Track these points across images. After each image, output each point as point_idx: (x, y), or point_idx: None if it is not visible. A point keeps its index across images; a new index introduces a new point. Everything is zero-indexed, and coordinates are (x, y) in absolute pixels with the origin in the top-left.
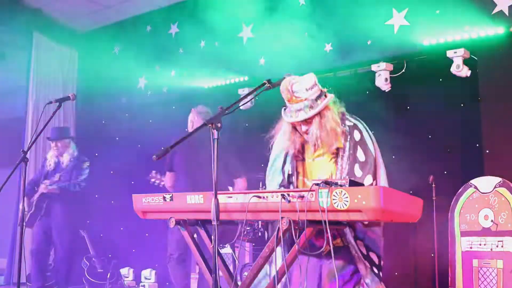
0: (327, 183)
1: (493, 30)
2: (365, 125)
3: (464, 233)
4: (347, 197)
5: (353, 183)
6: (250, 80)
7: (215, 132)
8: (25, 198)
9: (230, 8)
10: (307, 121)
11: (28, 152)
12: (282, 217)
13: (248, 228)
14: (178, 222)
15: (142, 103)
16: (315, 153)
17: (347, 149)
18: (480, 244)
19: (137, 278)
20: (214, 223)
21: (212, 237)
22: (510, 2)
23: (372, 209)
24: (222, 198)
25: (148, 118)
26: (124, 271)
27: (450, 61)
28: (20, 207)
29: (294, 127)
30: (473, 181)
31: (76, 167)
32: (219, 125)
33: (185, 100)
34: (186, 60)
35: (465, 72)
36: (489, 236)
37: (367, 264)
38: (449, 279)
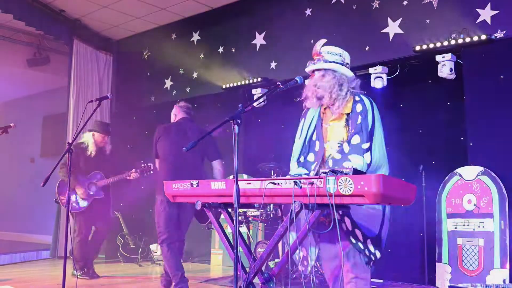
0: (334, 172)
1: (477, 37)
2: (370, 101)
3: (450, 215)
4: (351, 184)
5: (356, 171)
6: (262, 81)
7: (236, 127)
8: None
9: (244, 18)
10: (321, 77)
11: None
12: (294, 201)
13: (262, 210)
14: (203, 205)
15: (168, 101)
16: (330, 117)
17: (352, 115)
18: (464, 225)
19: None
20: (235, 206)
21: (234, 218)
22: (492, 13)
23: (373, 194)
24: (242, 184)
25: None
26: (153, 247)
27: (438, 65)
28: (67, 190)
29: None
30: (458, 170)
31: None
32: (239, 121)
33: (205, 99)
34: (206, 64)
35: (449, 73)
36: (472, 218)
37: (352, 240)
38: (437, 255)
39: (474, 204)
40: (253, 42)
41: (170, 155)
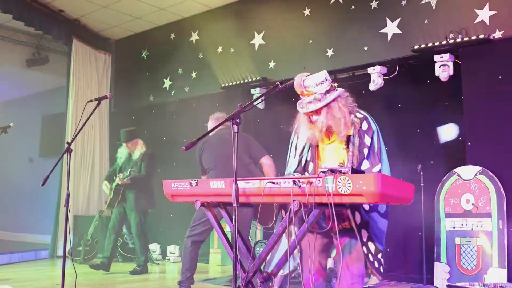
0: (332, 171)
1: (475, 37)
2: (372, 118)
3: (448, 215)
4: (350, 183)
5: (355, 171)
6: (261, 81)
7: (235, 127)
8: (105, 182)
9: (243, 18)
10: (317, 112)
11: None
12: (293, 200)
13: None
14: (203, 204)
15: (166, 101)
16: (329, 140)
17: (357, 136)
18: (462, 224)
19: (163, 253)
20: (234, 205)
21: (233, 217)
22: (490, 13)
23: (371, 193)
24: (241, 184)
25: (172, 114)
26: (152, 246)
27: (436, 65)
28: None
29: (309, 117)
30: (456, 170)
31: (144, 160)
32: (238, 120)
33: (203, 98)
34: (205, 63)
35: (447, 74)
36: (470, 218)
37: (365, 250)
38: (435, 254)
39: (472, 204)
40: (252, 42)
41: (217, 165)
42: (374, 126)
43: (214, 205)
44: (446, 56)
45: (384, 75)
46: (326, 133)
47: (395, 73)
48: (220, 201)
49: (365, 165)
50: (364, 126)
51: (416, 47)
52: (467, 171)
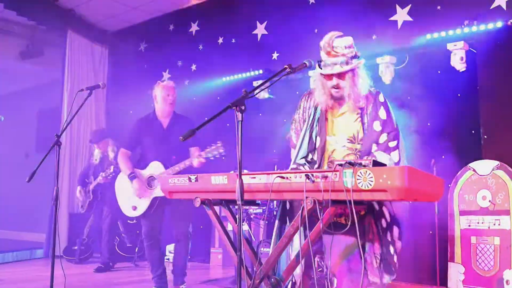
0: (351, 164)
1: (492, 24)
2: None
3: (462, 212)
4: (371, 177)
5: (376, 163)
6: (264, 73)
7: (239, 114)
8: (79, 188)
9: (245, 8)
10: (340, 76)
11: (62, 136)
12: (306, 197)
13: (264, 207)
14: (203, 202)
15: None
16: (340, 110)
17: (370, 108)
18: (478, 223)
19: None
20: (239, 202)
21: (237, 216)
22: None
23: (397, 189)
24: (246, 179)
25: None
26: None
27: (450, 54)
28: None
29: (325, 83)
30: (472, 164)
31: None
32: (243, 107)
33: (204, 92)
34: (205, 55)
35: (461, 63)
36: (487, 215)
37: (391, 251)
38: (449, 254)
39: (489, 201)
40: (254, 32)
41: None
42: (389, 104)
43: (215, 203)
44: (461, 44)
45: (394, 65)
46: (337, 103)
47: (405, 63)
48: (222, 198)
49: (383, 138)
50: (381, 98)
51: (428, 35)
52: (483, 166)
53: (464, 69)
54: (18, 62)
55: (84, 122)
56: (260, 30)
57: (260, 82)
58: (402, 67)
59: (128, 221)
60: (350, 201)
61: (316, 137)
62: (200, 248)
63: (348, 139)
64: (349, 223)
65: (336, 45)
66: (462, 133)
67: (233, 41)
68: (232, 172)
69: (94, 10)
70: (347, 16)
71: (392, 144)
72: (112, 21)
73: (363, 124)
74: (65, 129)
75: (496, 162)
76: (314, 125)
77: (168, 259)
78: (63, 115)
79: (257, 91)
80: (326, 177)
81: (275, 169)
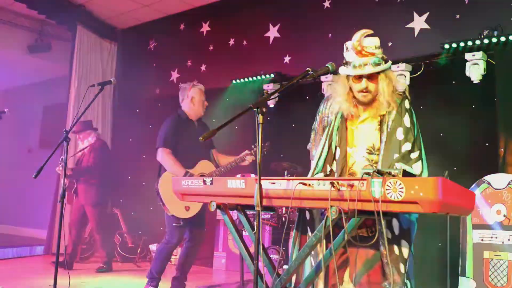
0: (380, 173)
1: None
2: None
3: (475, 226)
4: (402, 188)
5: (406, 173)
6: (275, 76)
7: (260, 116)
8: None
9: (258, 9)
10: (371, 77)
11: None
12: (331, 206)
13: (272, 213)
14: (218, 206)
15: (173, 94)
16: (360, 118)
17: (393, 114)
18: (491, 237)
19: None
20: (258, 208)
21: (255, 223)
22: None
23: (430, 201)
24: (265, 184)
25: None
26: (153, 247)
27: (466, 64)
28: (61, 184)
29: (349, 87)
30: (487, 178)
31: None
32: (264, 109)
33: (213, 94)
34: (216, 56)
35: (479, 75)
36: (501, 230)
37: (401, 269)
38: (460, 268)
39: (504, 215)
40: (267, 34)
41: None
42: (413, 109)
43: (230, 208)
44: (479, 54)
45: (409, 73)
46: (357, 111)
47: (420, 71)
48: (238, 203)
49: (405, 147)
50: (407, 104)
51: (445, 44)
52: (499, 180)
53: (480, 80)
54: (25, 56)
55: (90, 119)
56: (273, 32)
57: (270, 85)
58: (417, 76)
59: (174, 224)
60: (378, 212)
61: (335, 147)
62: (203, 251)
63: (367, 150)
64: (376, 234)
65: (366, 44)
66: (475, 146)
67: (245, 43)
68: (252, 176)
69: (105, 6)
70: (363, 22)
71: (414, 155)
72: (122, 18)
73: (381, 132)
74: (75, 123)
75: None
76: (334, 135)
77: (170, 261)
78: (70, 111)
79: (278, 93)
80: (352, 185)
81: (285, 175)
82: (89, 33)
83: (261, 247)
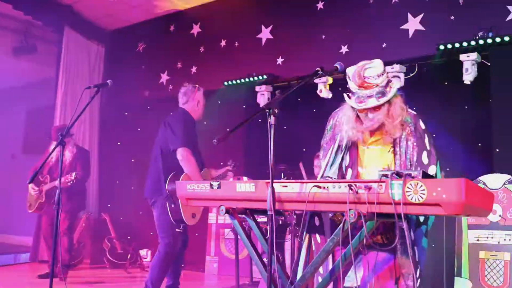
0: (399, 175)
1: (508, 37)
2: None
3: (471, 226)
4: (423, 190)
5: (426, 175)
6: (268, 78)
7: (272, 117)
8: (32, 185)
9: (250, 10)
10: (376, 108)
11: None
12: (350, 209)
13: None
14: (227, 211)
15: (163, 97)
16: (370, 139)
17: (411, 138)
18: (487, 237)
19: None
20: (270, 213)
21: (268, 227)
22: None
23: (453, 203)
24: (276, 187)
25: (168, 111)
26: (142, 252)
27: (461, 65)
28: (58, 189)
29: (357, 115)
30: (482, 178)
31: (79, 159)
32: (276, 110)
33: (204, 96)
34: (207, 58)
35: (474, 76)
36: (497, 230)
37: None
38: (455, 269)
39: (500, 215)
40: (259, 36)
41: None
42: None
43: (239, 212)
44: (474, 55)
45: (403, 74)
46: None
47: (414, 72)
48: (247, 207)
49: (425, 160)
50: (422, 125)
51: (439, 45)
52: (494, 180)
53: (474, 81)
54: (10, 58)
55: (77, 122)
56: (265, 34)
57: (263, 87)
58: (410, 77)
59: (177, 229)
60: (399, 215)
61: (347, 167)
62: (195, 256)
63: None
64: (397, 239)
65: (368, 75)
66: (469, 146)
67: (236, 44)
68: (245, 179)
69: (93, 7)
70: (357, 23)
71: (432, 170)
72: (110, 19)
73: (395, 154)
74: (70, 127)
75: (508, 176)
76: (344, 155)
77: None
78: (57, 115)
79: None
80: (369, 188)
81: (282, 177)
82: (76, 35)
83: (274, 255)
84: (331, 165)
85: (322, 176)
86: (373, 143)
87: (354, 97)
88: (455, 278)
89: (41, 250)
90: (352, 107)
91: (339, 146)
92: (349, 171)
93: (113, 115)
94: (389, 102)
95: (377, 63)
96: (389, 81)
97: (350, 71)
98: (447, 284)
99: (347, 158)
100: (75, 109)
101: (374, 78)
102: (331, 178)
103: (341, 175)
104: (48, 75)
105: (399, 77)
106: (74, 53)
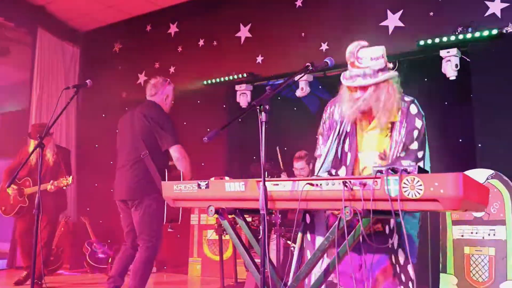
0: (394, 170)
1: (487, 32)
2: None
3: (455, 222)
4: (420, 185)
5: (421, 170)
6: (248, 77)
7: (263, 114)
8: (12, 185)
9: (228, 9)
10: (363, 88)
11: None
12: (345, 207)
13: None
14: (216, 211)
15: (141, 98)
16: (369, 125)
17: (404, 123)
18: (471, 233)
19: None
20: (262, 212)
21: (261, 227)
22: (502, 5)
23: (450, 199)
24: (268, 186)
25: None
26: None
27: (441, 61)
28: (37, 194)
29: (351, 95)
30: (465, 173)
31: (63, 160)
32: (267, 107)
33: (183, 95)
34: (185, 58)
35: (454, 70)
36: (481, 225)
37: (392, 260)
38: (440, 265)
39: (484, 210)
40: (237, 34)
41: (119, 150)
42: (422, 111)
43: (229, 212)
44: (454, 51)
45: None
46: (367, 116)
47: (395, 69)
48: (236, 206)
49: (414, 146)
50: (413, 109)
51: (421, 41)
52: (477, 175)
53: (455, 76)
54: None
55: (54, 124)
56: (244, 32)
57: (243, 86)
58: None
59: (169, 229)
60: (395, 212)
61: (346, 152)
62: (177, 258)
63: (379, 156)
64: (394, 234)
65: (362, 55)
66: (451, 142)
67: (215, 43)
68: (227, 178)
69: (67, 7)
70: (336, 20)
71: (420, 154)
72: (85, 20)
73: (391, 139)
74: (49, 129)
75: (491, 171)
76: (341, 139)
77: None
78: (31, 117)
79: (280, 89)
80: (364, 184)
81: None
82: (50, 36)
83: (267, 256)
84: (330, 154)
85: (322, 164)
86: (371, 129)
87: (346, 74)
88: (440, 274)
89: (18, 256)
90: (347, 89)
91: (338, 133)
92: (349, 155)
93: (90, 116)
94: (376, 85)
95: (377, 47)
96: (385, 68)
97: (349, 48)
98: (433, 281)
99: (347, 142)
100: (54, 109)
101: (367, 60)
102: (328, 169)
103: (337, 161)
104: (22, 78)
105: None
106: (49, 54)
